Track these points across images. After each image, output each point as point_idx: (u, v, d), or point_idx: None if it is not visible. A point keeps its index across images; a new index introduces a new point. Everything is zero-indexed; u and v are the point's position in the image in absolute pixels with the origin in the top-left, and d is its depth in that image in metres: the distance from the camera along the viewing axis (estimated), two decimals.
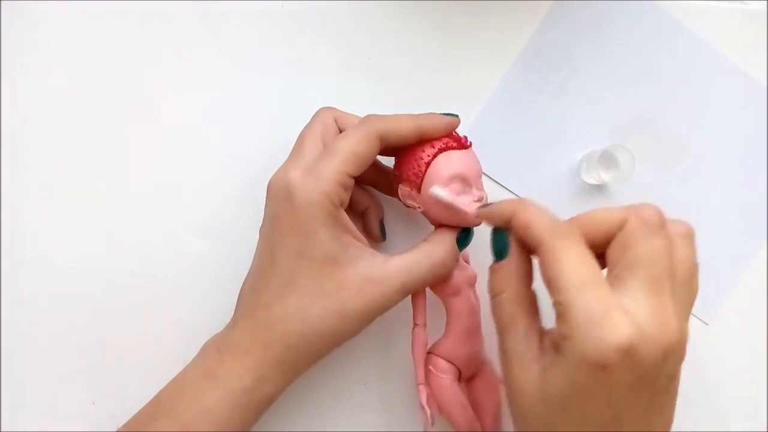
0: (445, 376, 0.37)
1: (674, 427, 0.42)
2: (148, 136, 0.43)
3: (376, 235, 0.41)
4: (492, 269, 0.33)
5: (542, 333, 0.32)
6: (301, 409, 0.41)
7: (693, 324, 0.43)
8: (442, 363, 0.37)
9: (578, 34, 0.44)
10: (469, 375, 0.38)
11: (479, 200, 0.35)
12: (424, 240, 0.36)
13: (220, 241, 0.42)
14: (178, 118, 0.43)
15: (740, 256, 0.44)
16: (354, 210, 0.41)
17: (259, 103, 0.43)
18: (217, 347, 0.35)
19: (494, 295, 0.33)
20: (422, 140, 0.36)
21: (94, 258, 0.42)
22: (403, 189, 0.36)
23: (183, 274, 0.42)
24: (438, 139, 0.36)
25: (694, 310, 0.43)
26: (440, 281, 0.36)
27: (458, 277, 0.37)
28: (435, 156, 0.35)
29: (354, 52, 0.43)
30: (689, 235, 0.32)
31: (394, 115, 0.36)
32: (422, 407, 0.36)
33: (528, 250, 0.32)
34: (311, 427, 0.42)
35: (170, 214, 0.42)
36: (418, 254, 0.35)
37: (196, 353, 0.36)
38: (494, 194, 0.43)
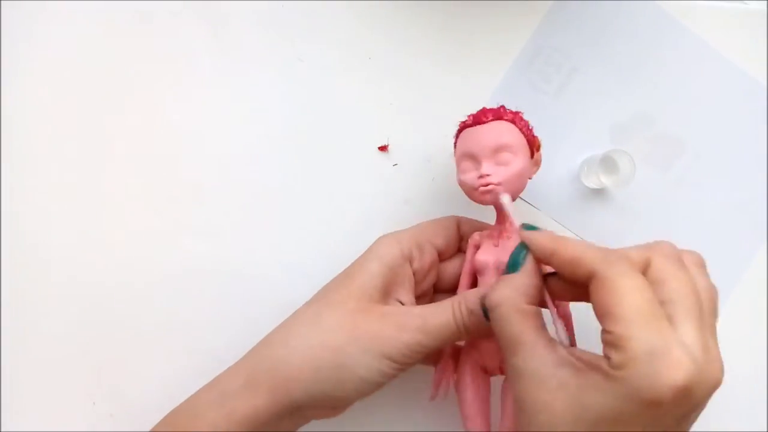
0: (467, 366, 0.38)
1: None
2: (148, 136, 0.43)
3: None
4: (496, 282, 0.33)
5: (553, 345, 0.30)
6: None
7: None
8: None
9: (578, 34, 0.44)
10: (495, 366, 0.38)
11: (482, 177, 0.35)
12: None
13: (220, 242, 0.42)
14: (178, 119, 0.43)
15: (740, 256, 0.44)
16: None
17: (259, 103, 0.43)
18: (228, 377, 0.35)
19: (493, 307, 0.32)
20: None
21: (95, 259, 0.42)
22: None
23: (183, 275, 0.42)
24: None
25: None
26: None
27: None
28: (457, 136, 0.38)
29: (354, 52, 0.43)
30: (703, 264, 0.31)
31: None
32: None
33: (579, 284, 0.30)
34: (311, 427, 0.42)
35: (170, 214, 0.42)
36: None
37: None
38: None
